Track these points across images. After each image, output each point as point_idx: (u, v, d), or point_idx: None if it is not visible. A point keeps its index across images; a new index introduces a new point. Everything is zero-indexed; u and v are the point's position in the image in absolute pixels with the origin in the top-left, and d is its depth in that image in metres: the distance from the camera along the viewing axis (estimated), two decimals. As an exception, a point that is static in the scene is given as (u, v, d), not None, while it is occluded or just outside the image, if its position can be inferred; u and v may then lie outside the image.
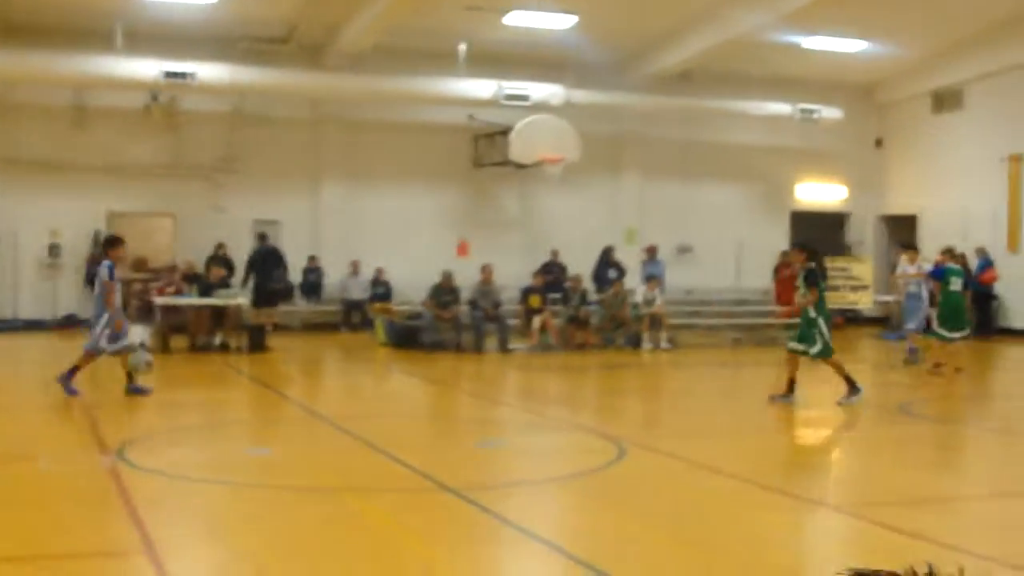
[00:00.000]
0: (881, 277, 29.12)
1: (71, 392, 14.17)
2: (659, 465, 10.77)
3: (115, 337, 14.44)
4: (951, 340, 18.24)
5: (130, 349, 14.77)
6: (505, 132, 25.84)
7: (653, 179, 29.87)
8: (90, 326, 14.80)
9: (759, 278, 28.96)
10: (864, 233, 32.46)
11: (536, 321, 22.80)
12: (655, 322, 23.51)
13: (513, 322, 23.15)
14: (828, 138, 31.04)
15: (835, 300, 28.40)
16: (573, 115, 26.25)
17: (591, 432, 12.84)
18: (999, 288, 27.49)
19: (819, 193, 32.04)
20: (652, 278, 24.63)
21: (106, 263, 14.62)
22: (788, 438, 13.31)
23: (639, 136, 29.69)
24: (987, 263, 27.29)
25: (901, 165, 32.11)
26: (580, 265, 25.80)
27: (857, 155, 32.30)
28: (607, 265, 26.26)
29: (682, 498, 9.27)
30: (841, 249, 31.48)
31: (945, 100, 30.30)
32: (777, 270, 27.62)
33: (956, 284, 18.52)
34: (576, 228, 28.52)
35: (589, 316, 23.58)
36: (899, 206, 32.03)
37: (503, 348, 22.29)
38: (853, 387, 14.48)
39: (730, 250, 30.17)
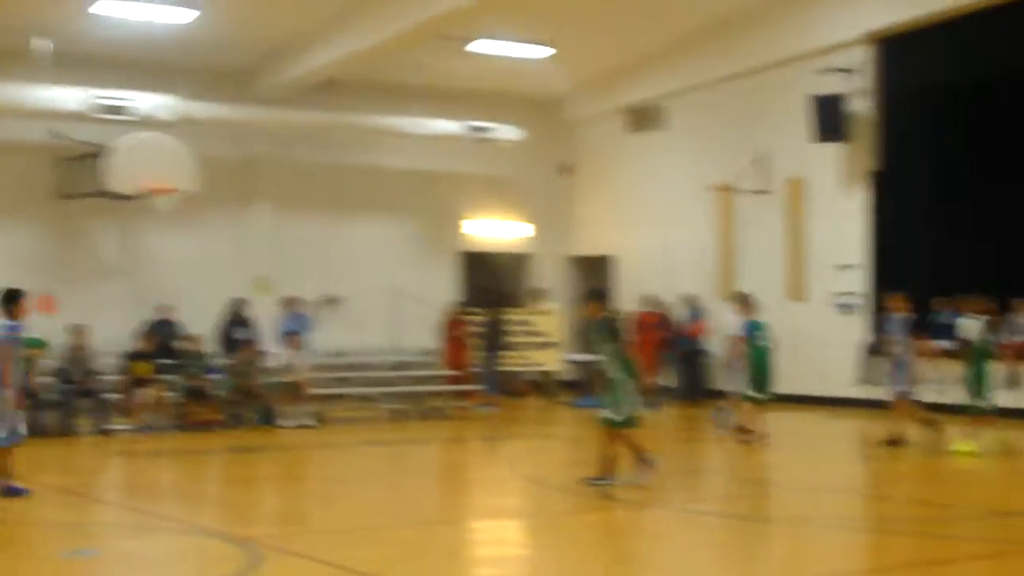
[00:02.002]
0: (572, 331, 29.91)
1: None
2: (302, 573, 10.59)
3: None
4: (764, 401, 20.11)
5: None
6: (100, 154, 25.18)
7: (291, 213, 29.72)
8: None
9: (424, 335, 29.16)
10: (550, 278, 33.26)
11: (144, 395, 22.26)
12: (296, 393, 23.33)
13: (114, 396, 22.52)
14: (506, 163, 31.71)
15: (518, 361, 29.11)
16: (190, 133, 25.85)
17: (214, 534, 12.51)
18: (709, 343, 28.57)
19: (496, 230, 32.64)
20: (292, 337, 24.45)
21: (8, 324, 14.49)
22: (465, 531, 13.35)
23: (273, 160, 29.51)
24: (697, 314, 28.44)
25: (593, 196, 33.16)
26: (201, 323, 25.31)
27: (541, 184, 33.15)
28: (235, 323, 25.89)
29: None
30: (523, 299, 32.13)
31: (643, 118, 31.54)
32: (447, 326, 27.92)
33: (764, 338, 20.24)
34: (195, 276, 27.98)
35: (212, 387, 23.18)
36: (591, 245, 33.04)
37: (100, 430, 21.65)
38: (645, 462, 14.80)
39: (387, 300, 30.27)
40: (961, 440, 18.52)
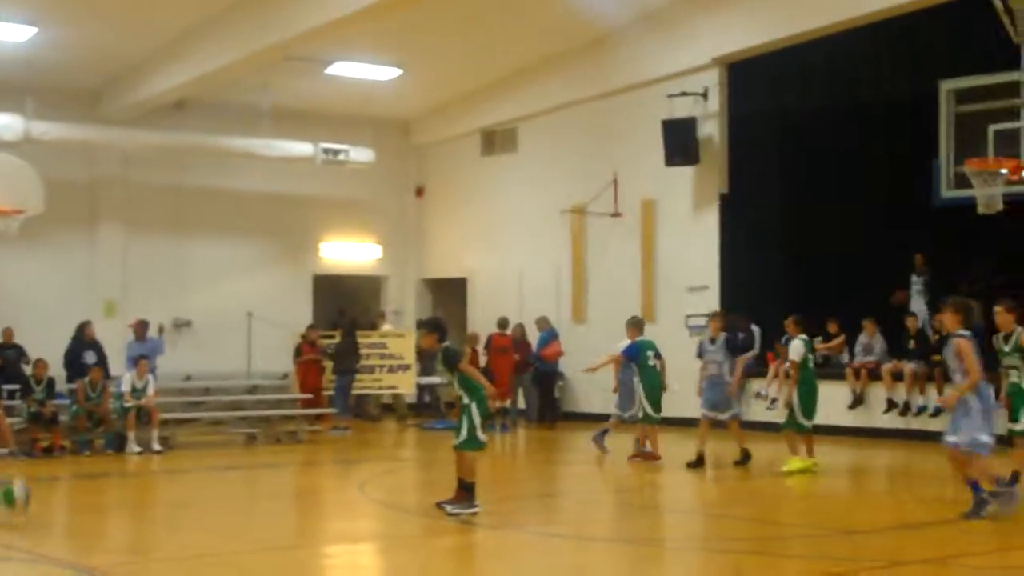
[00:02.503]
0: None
1: None
2: (150, 601, 10.51)
3: None
4: (659, 421, 20.51)
5: None
6: (-58, 174, 24.70)
7: (139, 235, 29.40)
8: None
9: (277, 359, 29.00)
10: (404, 301, 33.25)
11: (-13, 420, 21.82)
12: (145, 418, 23.04)
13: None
14: (358, 185, 31.67)
15: (371, 384, 29.04)
16: (35, 154, 25.33)
17: (60, 564, 12.32)
18: (563, 365, 28.82)
19: (349, 252, 32.56)
20: (141, 361, 24.11)
21: None
22: (316, 556, 13.29)
23: (121, 181, 29.17)
24: (550, 336, 28.58)
25: (446, 218, 33.20)
26: (48, 347, 24.86)
27: (394, 206, 33.17)
28: (83, 346, 25.51)
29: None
30: (376, 322, 32.03)
31: (497, 141, 31.68)
32: (299, 350, 27.78)
33: (652, 359, 20.46)
34: (41, 299, 27.57)
35: (57, 412, 22.78)
36: (445, 268, 33.08)
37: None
38: (470, 497, 14.70)
39: (239, 324, 30.03)
40: (793, 459, 18.81)
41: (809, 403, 18.89)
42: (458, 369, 14.94)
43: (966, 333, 14.02)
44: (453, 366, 14.96)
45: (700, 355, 20.19)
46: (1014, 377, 15.35)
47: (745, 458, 19.59)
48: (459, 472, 14.78)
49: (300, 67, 26.97)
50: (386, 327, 30.97)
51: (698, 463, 19.54)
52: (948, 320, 14.43)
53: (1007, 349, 15.28)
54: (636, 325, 21.17)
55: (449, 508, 14.64)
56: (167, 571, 11.69)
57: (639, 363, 20.58)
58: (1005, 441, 15.87)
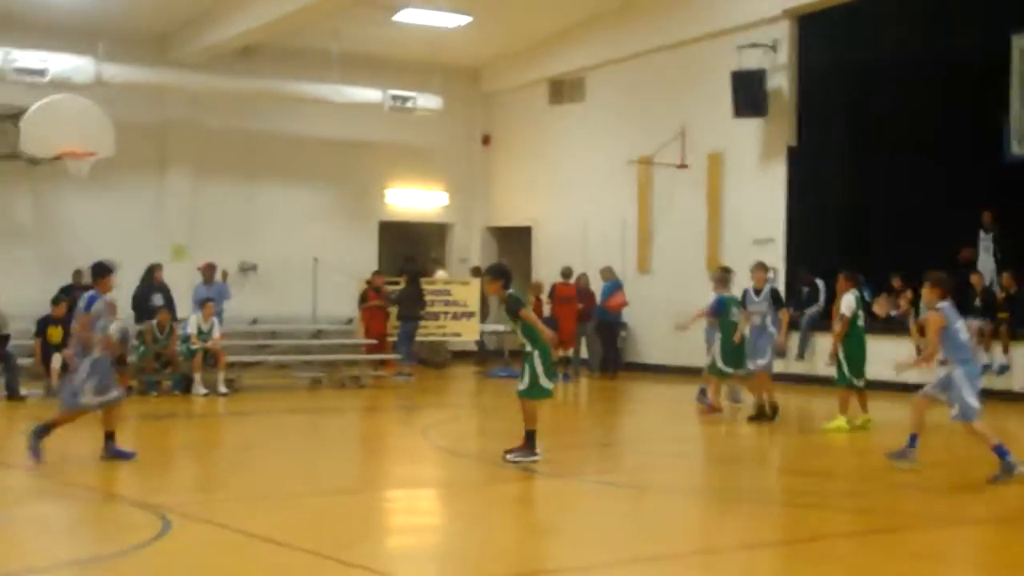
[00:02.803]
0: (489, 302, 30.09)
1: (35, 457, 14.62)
2: (212, 539, 10.73)
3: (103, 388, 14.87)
4: (730, 375, 20.60)
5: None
6: (16, 116, 25.02)
7: (208, 179, 29.68)
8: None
9: (342, 304, 29.25)
10: (469, 248, 33.44)
11: (57, 360, 22.14)
12: (211, 360, 23.37)
13: (27, 361, 22.44)
14: (425, 132, 31.77)
15: (435, 331, 29.27)
16: (106, 97, 25.66)
17: (127, 501, 12.62)
18: (627, 316, 28.96)
19: (415, 200, 32.75)
20: (208, 304, 24.41)
21: (89, 294, 15.24)
22: (378, 500, 13.54)
23: (190, 125, 29.44)
24: (615, 286, 28.70)
25: (512, 167, 33.35)
26: (117, 289, 25.06)
27: (461, 154, 33.30)
28: (151, 289, 25.81)
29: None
30: (440, 268, 32.24)
31: (565, 90, 31.73)
32: (364, 296, 28.03)
33: (735, 314, 20.36)
34: (110, 241, 27.64)
35: (126, 354, 23.13)
36: (510, 216, 33.24)
37: (12, 395, 21.65)
38: (531, 445, 14.91)
39: (305, 269, 30.25)
40: (832, 417, 18.73)
41: (858, 360, 18.79)
42: (521, 317, 15.11)
43: (942, 306, 14.18)
44: (516, 313, 15.12)
45: (744, 306, 20.19)
46: None
47: (773, 412, 19.65)
48: (526, 420, 14.98)
49: (369, 13, 27.09)
50: (440, 274, 31.16)
51: (758, 416, 19.61)
52: (926, 294, 14.68)
53: None
54: (720, 280, 21.10)
55: (510, 456, 14.89)
56: (232, 510, 11.92)
57: (722, 318, 20.53)
58: None
